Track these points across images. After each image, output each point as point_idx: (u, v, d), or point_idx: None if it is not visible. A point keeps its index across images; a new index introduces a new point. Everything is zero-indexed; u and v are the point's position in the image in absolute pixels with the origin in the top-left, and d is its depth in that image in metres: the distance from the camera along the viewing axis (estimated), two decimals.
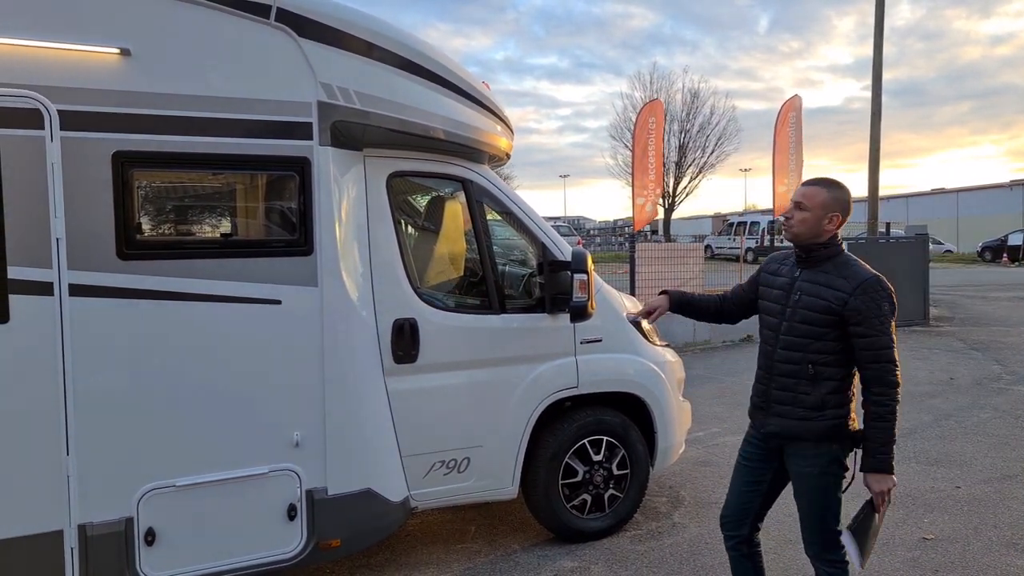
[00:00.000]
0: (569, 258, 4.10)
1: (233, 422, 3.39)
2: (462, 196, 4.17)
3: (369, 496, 3.68)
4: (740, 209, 56.85)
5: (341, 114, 3.51)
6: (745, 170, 57.19)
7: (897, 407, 2.73)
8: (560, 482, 4.35)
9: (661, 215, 40.45)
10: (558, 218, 52.23)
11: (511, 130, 4.59)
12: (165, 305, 3.23)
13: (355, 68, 3.54)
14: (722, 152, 38.84)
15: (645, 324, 4.74)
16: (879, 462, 2.73)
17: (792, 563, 4.14)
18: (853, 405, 2.86)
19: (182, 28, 3.22)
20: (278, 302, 3.45)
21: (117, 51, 3.09)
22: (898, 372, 2.75)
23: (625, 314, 4.62)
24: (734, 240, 29.55)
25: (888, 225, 16.74)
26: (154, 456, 3.25)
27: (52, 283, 3.02)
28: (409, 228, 4.43)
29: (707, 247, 33.19)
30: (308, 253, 3.50)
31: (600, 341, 4.40)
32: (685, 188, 39.46)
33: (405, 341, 3.82)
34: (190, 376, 3.30)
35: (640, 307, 4.87)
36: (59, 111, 2.99)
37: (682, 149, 38.66)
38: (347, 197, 3.67)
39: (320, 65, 3.44)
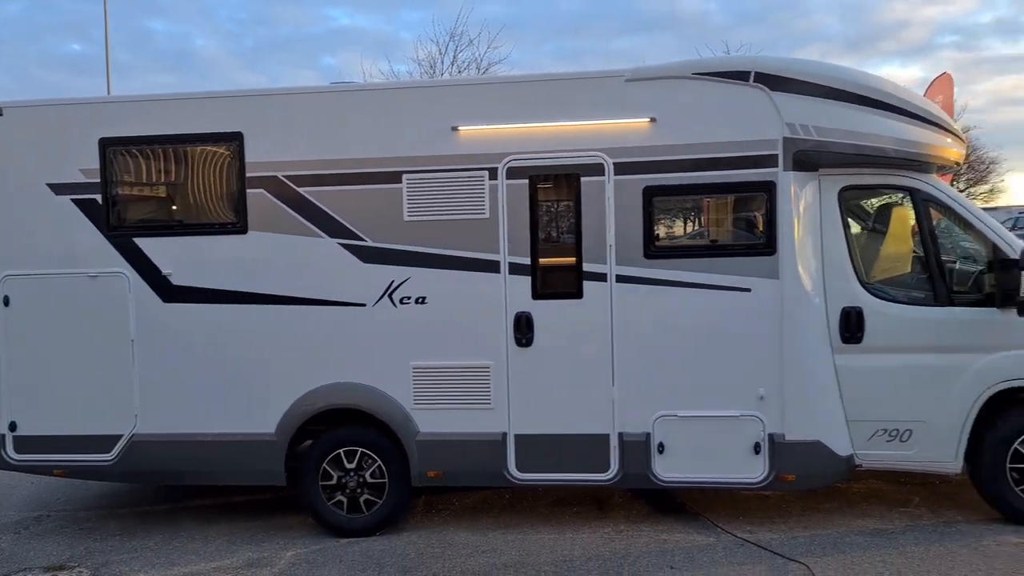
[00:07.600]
0: (1018, 256, 4.41)
1: (714, 376, 4.70)
2: (908, 203, 4.81)
3: (819, 447, 4.62)
4: None
5: (801, 145, 4.55)
6: None
7: None
8: (1008, 465, 4.62)
9: None
10: None
11: (961, 140, 5.01)
12: (672, 290, 4.70)
13: (813, 108, 4.55)
14: None
15: None
16: None
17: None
18: None
19: (690, 95, 4.66)
20: (748, 290, 4.65)
21: (648, 120, 4.66)
22: None
23: None
24: None
25: None
26: (663, 392, 4.74)
27: (606, 273, 4.73)
28: (858, 231, 5.19)
29: None
30: (772, 253, 4.63)
31: None
32: None
33: (851, 326, 4.65)
34: (687, 340, 4.71)
35: None
36: (614, 163, 4.68)
37: None
38: (804, 208, 4.67)
39: (785, 109, 4.54)
